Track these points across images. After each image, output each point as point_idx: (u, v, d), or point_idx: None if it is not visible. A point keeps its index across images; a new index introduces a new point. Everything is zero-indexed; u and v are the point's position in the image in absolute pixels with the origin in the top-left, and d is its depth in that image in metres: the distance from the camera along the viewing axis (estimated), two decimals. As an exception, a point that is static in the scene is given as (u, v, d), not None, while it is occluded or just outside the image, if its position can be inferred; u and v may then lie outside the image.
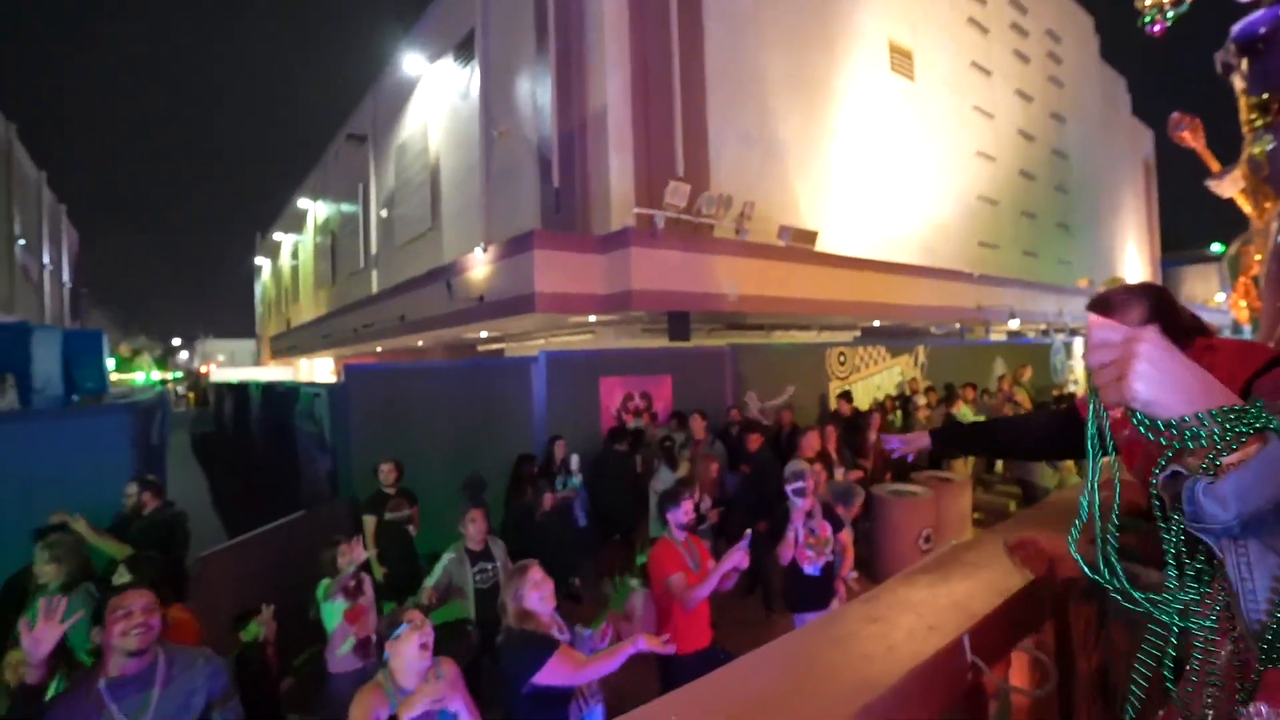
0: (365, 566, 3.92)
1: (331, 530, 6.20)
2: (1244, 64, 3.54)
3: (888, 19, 18.07)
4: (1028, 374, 10.91)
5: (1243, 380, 1.03)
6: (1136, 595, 0.78)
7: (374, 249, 24.39)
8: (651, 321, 11.69)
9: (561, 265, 9.89)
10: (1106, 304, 1.29)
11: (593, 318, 11.03)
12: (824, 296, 12.76)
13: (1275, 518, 0.60)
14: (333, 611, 3.68)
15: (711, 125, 12.92)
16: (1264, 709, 0.62)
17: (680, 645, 3.54)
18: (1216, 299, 35.04)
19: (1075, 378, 14.68)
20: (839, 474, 6.31)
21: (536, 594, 2.72)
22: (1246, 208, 3.79)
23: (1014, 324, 19.57)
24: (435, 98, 19.15)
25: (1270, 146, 3.45)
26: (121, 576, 3.01)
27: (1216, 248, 36.93)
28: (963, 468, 8.01)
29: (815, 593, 4.03)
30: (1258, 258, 3.72)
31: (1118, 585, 0.80)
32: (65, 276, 40.21)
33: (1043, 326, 22.04)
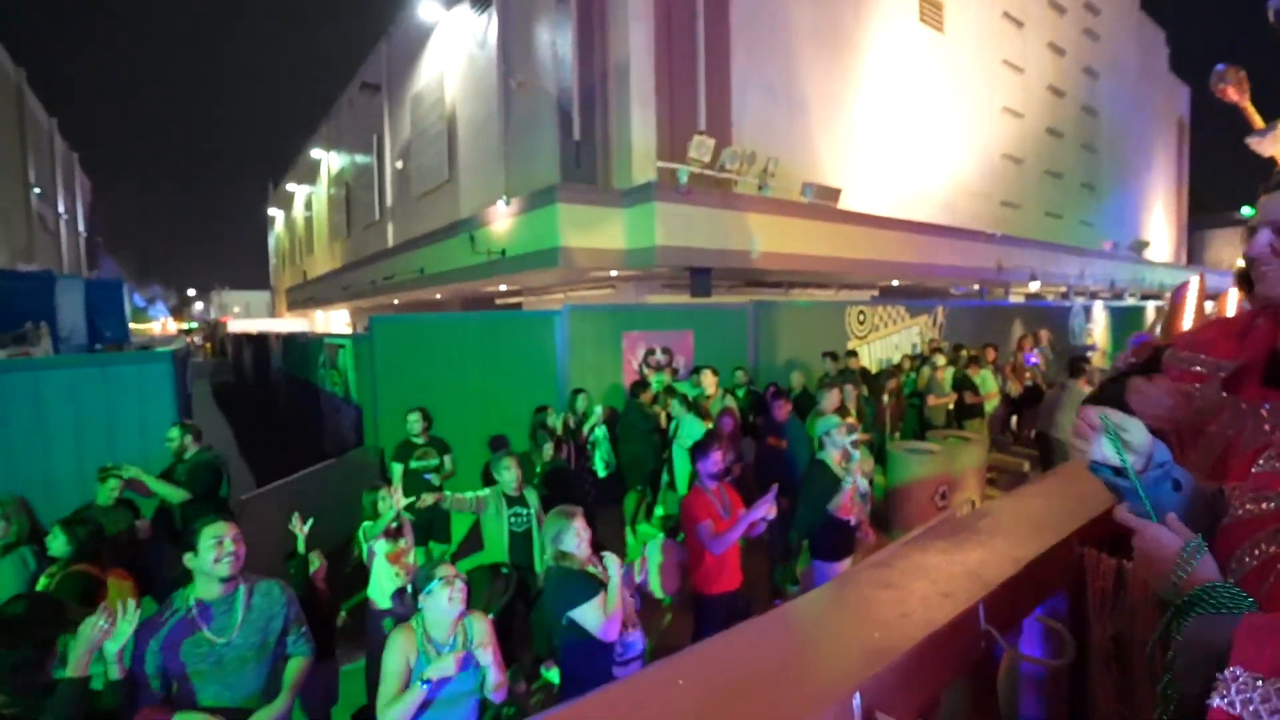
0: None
1: (360, 477, 6.42)
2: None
3: (920, -34, 17.43)
4: (1046, 337, 10.87)
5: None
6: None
7: (389, 201, 24.26)
8: (672, 277, 11.68)
9: (585, 219, 9.86)
10: None
11: (614, 272, 11.03)
12: (845, 255, 12.67)
13: None
14: (376, 553, 3.85)
15: (735, 78, 12.66)
16: (1239, 672, 0.64)
17: (710, 587, 3.74)
18: (1241, 264, 34.31)
19: (1093, 341, 14.59)
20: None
21: (577, 540, 2.86)
22: (1288, 166, 3.71)
23: (1034, 286, 19.37)
24: (451, 46, 18.76)
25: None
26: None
27: (1247, 211, 35.94)
28: (979, 425, 8.09)
29: (848, 542, 4.23)
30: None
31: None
32: (80, 225, 40.36)
33: (1063, 289, 21.78)
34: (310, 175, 36.93)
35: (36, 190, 29.40)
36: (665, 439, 6.21)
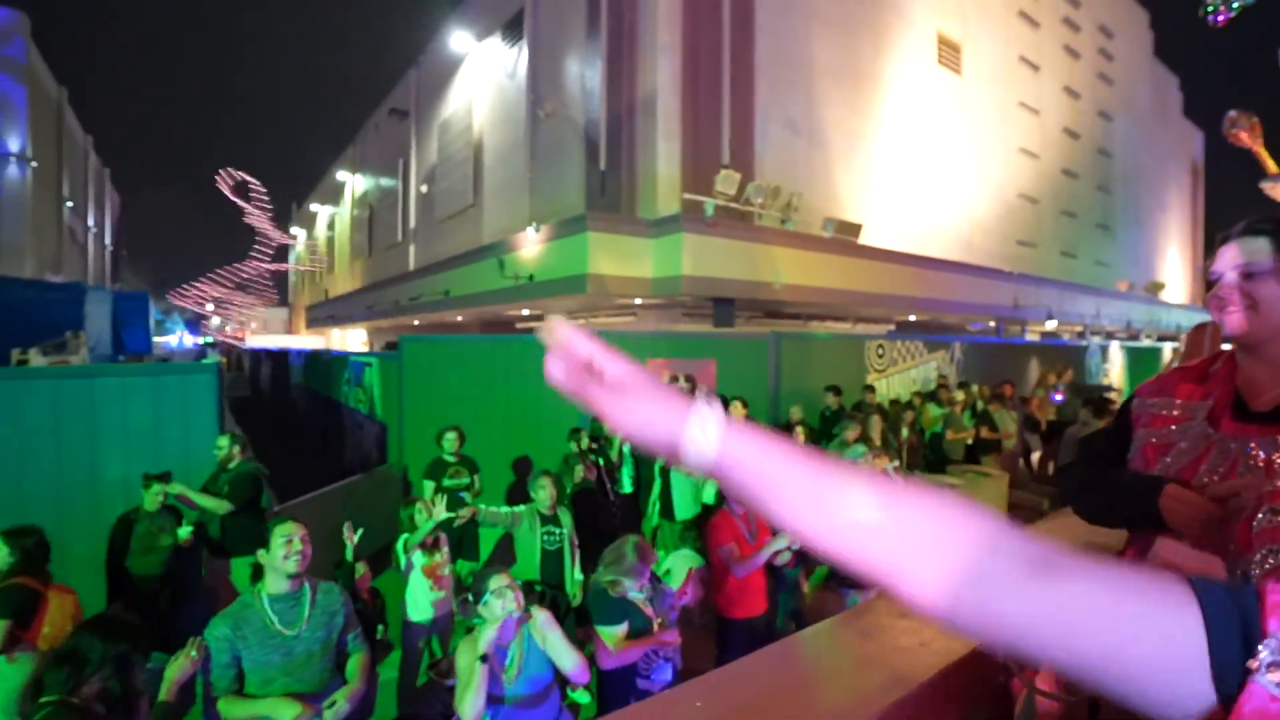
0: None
1: (384, 493, 6.52)
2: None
3: (938, 10, 17.84)
4: (1068, 375, 10.93)
5: None
6: None
7: (413, 223, 24.73)
8: (693, 306, 11.85)
9: (613, 247, 10.08)
10: None
11: (638, 300, 11.21)
12: (863, 289, 12.81)
13: None
14: (414, 564, 3.94)
15: (758, 113, 12.96)
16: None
17: (735, 611, 3.79)
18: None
19: (1109, 380, 14.59)
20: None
21: (637, 581, 2.97)
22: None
23: (1051, 325, 19.39)
24: (481, 75, 19.31)
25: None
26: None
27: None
28: (993, 462, 8.11)
29: None
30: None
31: None
32: (107, 239, 41.26)
33: (1079, 328, 21.78)
34: (334, 196, 37.72)
35: (69, 204, 30.18)
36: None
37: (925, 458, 8.32)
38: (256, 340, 38.63)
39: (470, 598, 2.58)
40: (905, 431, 7.84)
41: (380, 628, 4.44)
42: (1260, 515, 0.95)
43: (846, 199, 14.79)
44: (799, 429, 6.96)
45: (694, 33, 11.97)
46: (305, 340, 38.51)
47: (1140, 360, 15.89)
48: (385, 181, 28.34)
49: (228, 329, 59.13)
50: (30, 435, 4.54)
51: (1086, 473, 1.34)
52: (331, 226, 39.48)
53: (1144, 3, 29.07)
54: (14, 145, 24.45)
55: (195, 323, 62.23)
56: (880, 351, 10.11)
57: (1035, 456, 9.65)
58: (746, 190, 11.22)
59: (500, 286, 12.69)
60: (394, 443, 7.08)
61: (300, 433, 13.31)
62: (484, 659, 2.31)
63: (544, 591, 4.03)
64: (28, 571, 2.84)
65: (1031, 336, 19.70)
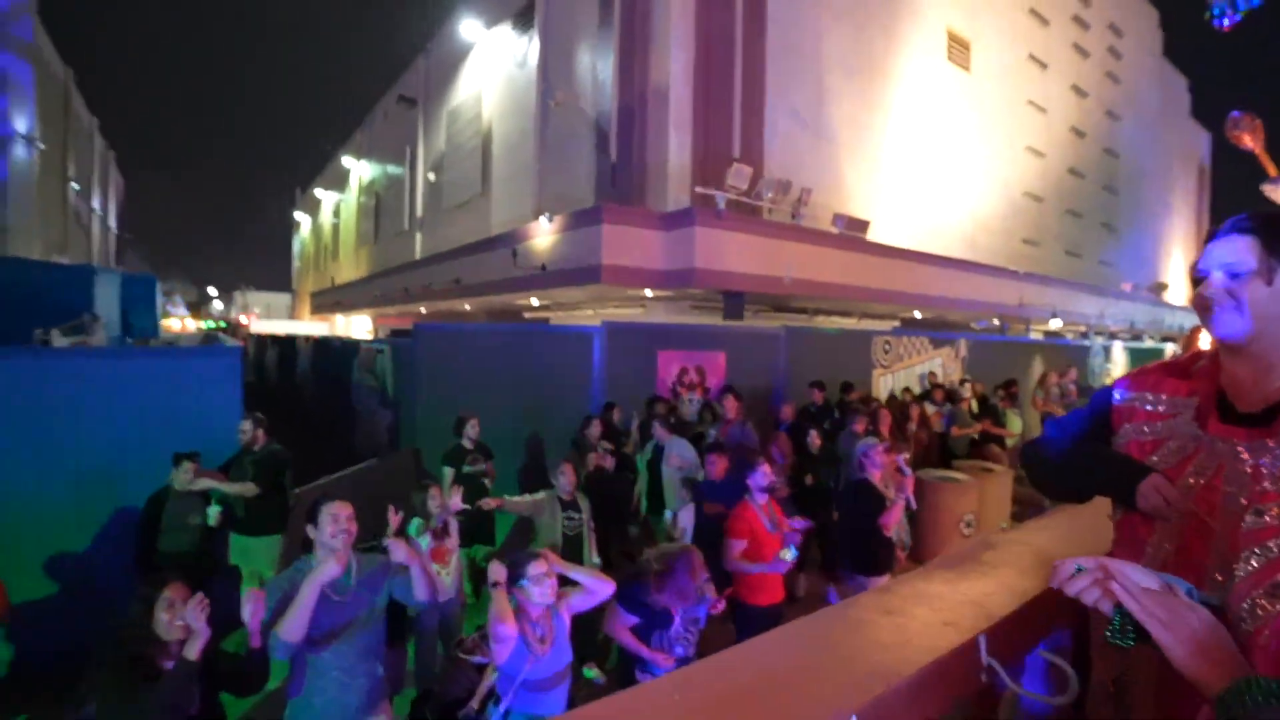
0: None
1: (398, 477, 6.62)
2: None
3: (949, 5, 17.81)
4: (1072, 374, 11.00)
5: None
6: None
7: (419, 211, 24.75)
8: (703, 299, 11.92)
9: (627, 239, 10.15)
10: None
11: (649, 292, 11.28)
12: (871, 284, 12.88)
13: None
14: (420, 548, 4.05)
15: (768, 106, 12.98)
16: None
17: (751, 598, 3.88)
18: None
19: (1111, 381, 14.67)
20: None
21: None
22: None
23: (1056, 324, 19.46)
24: (491, 64, 19.28)
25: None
26: None
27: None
28: (1003, 457, 8.21)
29: (889, 557, 4.40)
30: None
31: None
32: (111, 221, 41.22)
33: (1083, 328, 21.85)
34: (340, 183, 37.67)
35: (75, 186, 30.15)
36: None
37: (930, 450, 8.40)
38: (262, 325, 38.64)
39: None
40: (913, 426, 7.93)
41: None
42: (1248, 518, 0.96)
43: (854, 194, 14.83)
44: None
45: (706, 22, 11.98)
46: (310, 326, 38.56)
47: (1142, 361, 15.92)
48: (392, 169, 28.32)
49: (232, 313, 59.12)
50: (53, 415, 4.58)
51: (1064, 441, 1.37)
52: (337, 213, 39.45)
53: (1154, 2, 28.97)
54: (21, 126, 24.34)
55: (197, 306, 62.27)
56: (887, 347, 10.20)
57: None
58: (759, 185, 11.28)
59: (511, 275, 12.75)
60: (406, 428, 7.17)
61: (309, 419, 13.39)
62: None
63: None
64: None
65: (1035, 335, 19.78)
